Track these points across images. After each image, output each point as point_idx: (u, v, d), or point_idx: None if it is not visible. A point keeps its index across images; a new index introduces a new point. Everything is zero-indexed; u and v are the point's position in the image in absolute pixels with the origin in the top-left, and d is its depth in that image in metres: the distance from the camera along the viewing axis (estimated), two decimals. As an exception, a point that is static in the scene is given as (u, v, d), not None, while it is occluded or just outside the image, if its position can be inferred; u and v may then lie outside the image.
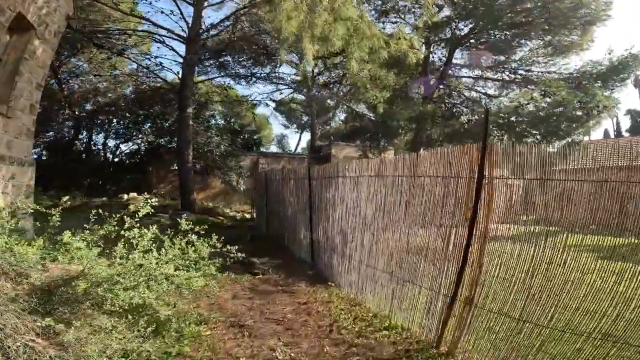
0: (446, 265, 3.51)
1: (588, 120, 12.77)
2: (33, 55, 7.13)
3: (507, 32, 16.71)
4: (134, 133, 17.52)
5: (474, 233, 3.08)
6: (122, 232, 2.95)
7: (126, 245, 2.92)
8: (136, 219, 3.24)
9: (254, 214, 14.27)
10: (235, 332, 3.84)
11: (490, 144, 3.03)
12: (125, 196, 14.20)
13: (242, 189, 17.49)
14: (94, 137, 17.60)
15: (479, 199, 3.04)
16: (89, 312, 2.75)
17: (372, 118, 25.57)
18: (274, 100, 23.66)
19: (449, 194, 3.48)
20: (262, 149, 27.45)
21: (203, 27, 14.00)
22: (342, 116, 34.98)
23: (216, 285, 3.65)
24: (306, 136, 37.66)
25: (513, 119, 14.41)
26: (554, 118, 12.80)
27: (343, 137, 29.20)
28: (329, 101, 29.07)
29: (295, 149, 38.61)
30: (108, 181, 16.70)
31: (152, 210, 3.22)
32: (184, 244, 3.62)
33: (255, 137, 26.20)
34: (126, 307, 2.67)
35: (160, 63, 15.89)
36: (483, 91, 18.43)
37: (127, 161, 19.03)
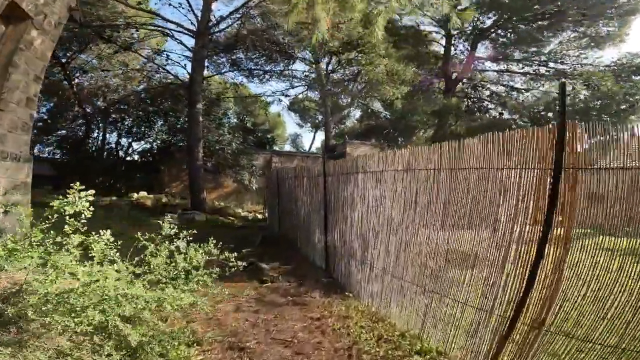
0: (503, 278, 2.74)
1: (634, 113, 11.64)
2: (30, 46, 6.69)
3: (534, 25, 15.68)
4: (146, 131, 17.19)
5: (548, 239, 2.31)
6: (64, 238, 2.26)
7: (76, 255, 2.26)
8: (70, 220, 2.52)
9: (266, 214, 13.66)
10: (234, 356, 3.15)
11: (572, 123, 2.26)
12: (135, 195, 13.80)
13: (254, 188, 16.92)
14: (107, 135, 17.36)
15: (555, 196, 2.27)
16: (42, 331, 2.11)
17: (388, 116, 24.73)
18: (286, 96, 23.00)
19: (506, 189, 2.71)
20: (276, 148, 26.88)
21: (213, 20, 13.50)
22: (357, 115, 34.39)
23: (207, 303, 2.97)
24: (320, 135, 37.13)
25: (549, 114, 13.39)
26: (595, 112, 11.73)
27: (357, 135, 28.56)
28: (343, 99, 28.37)
29: (310, 148, 38.11)
30: (120, 180, 16.36)
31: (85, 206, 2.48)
32: (173, 250, 2.95)
33: (268, 135, 25.67)
34: (88, 329, 2.03)
35: (168, 56, 15.44)
36: (510, 85, 17.36)
37: (140, 160, 18.74)
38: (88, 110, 15.12)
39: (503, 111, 17.00)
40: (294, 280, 6.08)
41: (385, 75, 17.00)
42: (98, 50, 14.06)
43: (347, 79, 26.13)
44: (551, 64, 15.46)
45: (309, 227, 7.44)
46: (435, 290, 3.56)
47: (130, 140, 17.57)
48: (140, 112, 15.97)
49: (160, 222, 3.06)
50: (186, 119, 14.23)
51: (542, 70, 15.70)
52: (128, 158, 18.32)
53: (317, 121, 41.52)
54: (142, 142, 18.20)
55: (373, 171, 4.96)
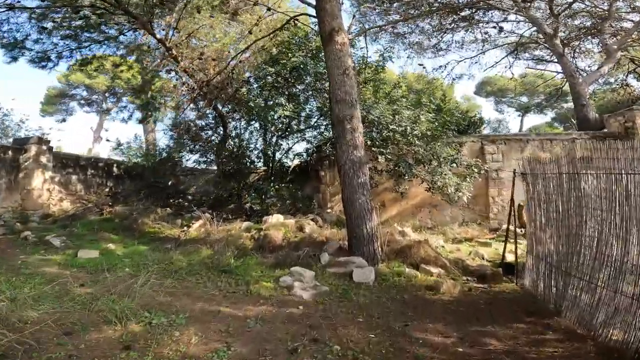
0: None
1: None
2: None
3: None
4: (295, 124, 12.05)
5: None
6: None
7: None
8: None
9: (512, 252, 5.74)
10: None
11: None
12: (269, 219, 8.55)
13: (465, 197, 9.08)
14: (243, 133, 12.99)
15: None
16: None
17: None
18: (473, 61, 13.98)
19: None
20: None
21: None
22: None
23: None
24: (531, 120, 26.92)
25: None
26: None
27: (615, 107, 17.80)
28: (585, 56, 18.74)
29: (518, 134, 27.62)
30: (261, 193, 11.73)
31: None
32: None
33: (471, 117, 16.82)
34: None
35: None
36: None
37: (296, 165, 13.97)
38: (197, 88, 10.48)
39: None
40: None
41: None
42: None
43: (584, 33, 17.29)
44: None
45: None
46: None
47: (276, 138, 12.75)
48: (275, 84, 10.31)
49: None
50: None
51: None
52: (283, 161, 13.68)
53: (521, 102, 31.84)
54: (296, 139, 13.15)
55: None
